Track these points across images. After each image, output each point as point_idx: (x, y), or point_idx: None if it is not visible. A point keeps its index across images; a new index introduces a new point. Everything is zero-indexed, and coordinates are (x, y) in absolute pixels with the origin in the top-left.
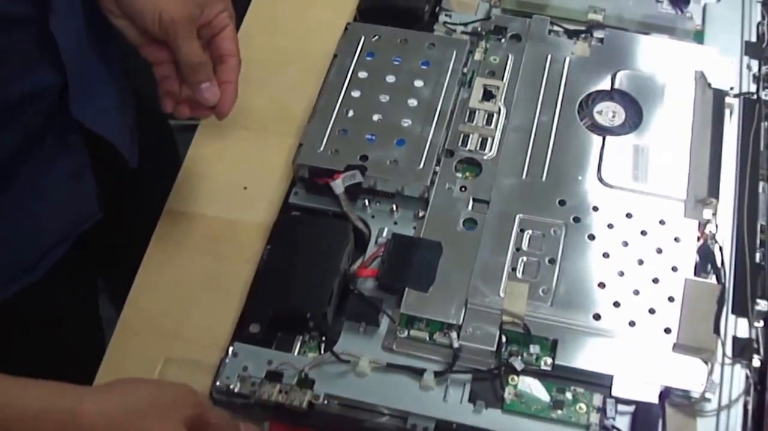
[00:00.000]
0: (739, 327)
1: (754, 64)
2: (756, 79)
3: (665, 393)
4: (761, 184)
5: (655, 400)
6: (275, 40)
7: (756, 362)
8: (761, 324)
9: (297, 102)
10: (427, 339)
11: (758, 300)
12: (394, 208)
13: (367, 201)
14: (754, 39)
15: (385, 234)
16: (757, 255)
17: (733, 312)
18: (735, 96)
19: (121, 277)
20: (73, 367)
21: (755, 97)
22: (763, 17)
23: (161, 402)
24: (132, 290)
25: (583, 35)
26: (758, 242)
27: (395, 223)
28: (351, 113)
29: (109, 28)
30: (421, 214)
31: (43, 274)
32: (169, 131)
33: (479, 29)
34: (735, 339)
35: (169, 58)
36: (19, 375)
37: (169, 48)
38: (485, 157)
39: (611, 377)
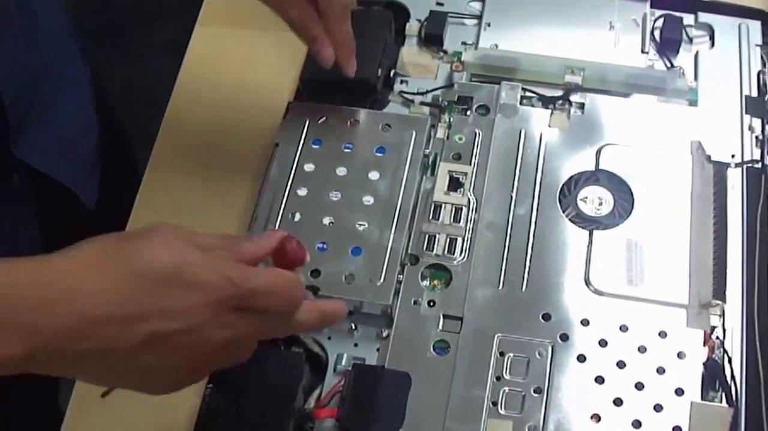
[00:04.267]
0: None
1: (757, 123)
2: (759, 142)
3: None
4: None
5: None
6: (209, 115)
7: None
8: None
9: (237, 191)
10: None
11: None
12: (353, 326)
13: None
14: (754, 93)
15: (344, 361)
16: None
17: None
18: (736, 165)
19: None
20: None
21: (760, 165)
22: (763, 63)
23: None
24: None
25: (561, 102)
26: None
27: (355, 344)
28: (297, 217)
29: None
30: (384, 333)
31: None
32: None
33: (441, 99)
34: None
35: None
36: None
37: None
38: (455, 262)
39: None
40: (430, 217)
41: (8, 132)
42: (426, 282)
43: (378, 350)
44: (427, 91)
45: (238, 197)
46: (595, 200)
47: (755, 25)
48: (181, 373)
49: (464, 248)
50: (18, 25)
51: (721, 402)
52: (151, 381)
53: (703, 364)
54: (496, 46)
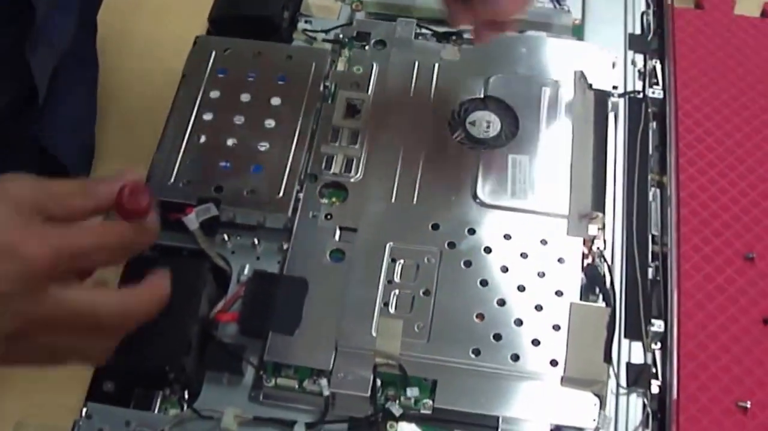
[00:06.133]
0: (633, 351)
1: (639, 58)
2: (641, 75)
3: None
4: (651, 190)
5: None
6: (124, 59)
7: (655, 388)
8: (658, 346)
9: (148, 127)
10: (297, 387)
11: (653, 320)
12: (256, 241)
13: (226, 236)
14: (638, 31)
15: (246, 271)
16: (650, 271)
17: (626, 336)
18: (619, 96)
19: None
20: None
21: (641, 95)
22: (648, 6)
23: None
24: None
25: (453, 37)
26: (650, 255)
27: (258, 258)
28: (203, 139)
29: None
30: (285, 246)
31: None
32: None
33: (341, 36)
34: (629, 365)
35: None
36: None
37: None
38: (351, 180)
39: (497, 418)
40: (329, 139)
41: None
42: (324, 200)
43: (279, 263)
44: (329, 29)
45: (151, 126)
46: (483, 123)
47: None
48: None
49: (360, 166)
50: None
51: None
52: None
53: (584, 271)
54: None
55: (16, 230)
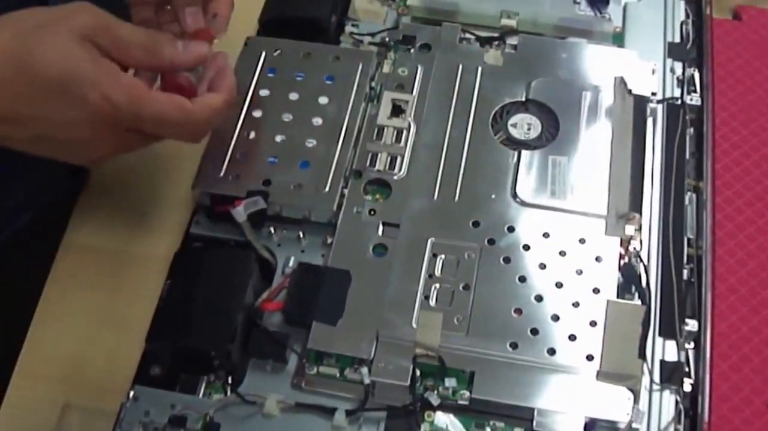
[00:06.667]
0: (667, 349)
1: (678, 66)
2: (680, 82)
3: (590, 425)
4: (687, 194)
5: None
6: None
7: (687, 386)
8: (691, 345)
9: None
10: (338, 375)
11: (687, 320)
12: (301, 235)
13: (272, 229)
14: (677, 40)
15: (291, 263)
16: (685, 272)
17: (660, 335)
18: (658, 102)
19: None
20: None
21: (679, 102)
22: (687, 15)
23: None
24: (29, 332)
25: (496, 42)
26: (686, 257)
27: (302, 251)
28: (252, 135)
29: None
30: (329, 240)
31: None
32: None
33: (387, 39)
34: (663, 362)
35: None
36: None
37: None
38: (395, 177)
39: (532, 410)
40: (374, 137)
41: None
42: (368, 196)
43: (323, 255)
44: (375, 33)
45: None
46: (524, 125)
47: None
48: (85, 158)
49: (403, 164)
50: None
51: None
52: (61, 157)
53: (620, 270)
54: None
55: (85, 77)
